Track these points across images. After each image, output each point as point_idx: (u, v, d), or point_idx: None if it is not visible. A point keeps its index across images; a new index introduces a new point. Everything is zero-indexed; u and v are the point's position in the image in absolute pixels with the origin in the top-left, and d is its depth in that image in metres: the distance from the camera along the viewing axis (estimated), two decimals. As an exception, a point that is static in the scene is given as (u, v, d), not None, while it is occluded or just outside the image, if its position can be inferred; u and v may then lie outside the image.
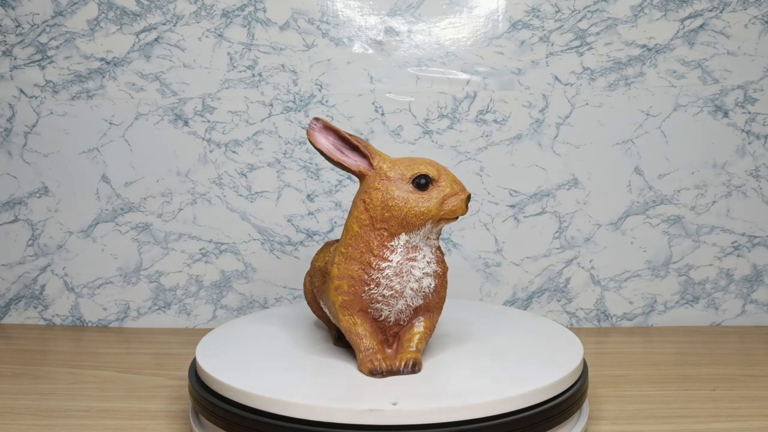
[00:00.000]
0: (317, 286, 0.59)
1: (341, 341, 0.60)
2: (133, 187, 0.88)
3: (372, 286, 0.52)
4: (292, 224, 0.87)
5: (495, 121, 0.85)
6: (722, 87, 0.84)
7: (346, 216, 0.86)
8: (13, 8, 0.86)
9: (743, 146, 0.84)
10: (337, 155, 0.54)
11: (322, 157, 0.86)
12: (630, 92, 0.84)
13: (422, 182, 0.52)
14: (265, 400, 0.49)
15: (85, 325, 0.90)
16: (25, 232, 0.90)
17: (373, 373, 0.53)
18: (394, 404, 0.47)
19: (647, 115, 0.84)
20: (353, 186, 0.86)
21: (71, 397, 0.66)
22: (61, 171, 0.88)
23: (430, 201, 0.51)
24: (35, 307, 0.91)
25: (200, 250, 0.88)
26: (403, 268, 0.52)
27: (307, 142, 0.86)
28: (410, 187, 0.52)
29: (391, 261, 0.52)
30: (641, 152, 0.85)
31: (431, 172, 0.52)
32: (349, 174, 0.85)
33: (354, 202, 0.54)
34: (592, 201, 0.86)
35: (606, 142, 0.85)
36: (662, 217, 0.85)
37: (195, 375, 0.57)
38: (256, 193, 0.87)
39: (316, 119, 0.53)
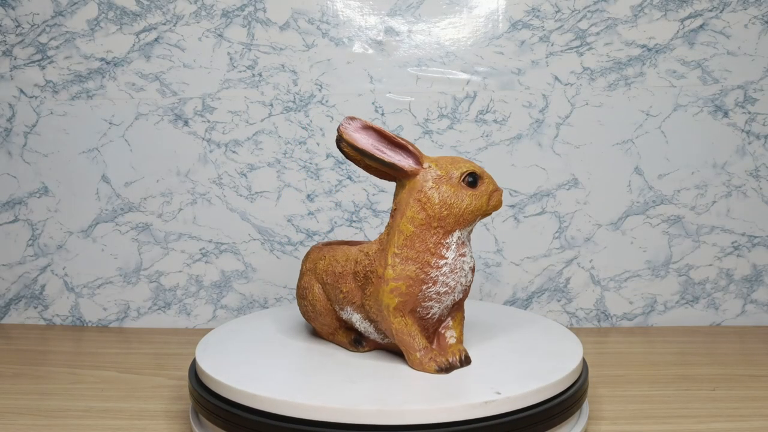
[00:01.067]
0: (346, 291, 0.57)
1: (359, 345, 0.59)
2: (133, 187, 0.88)
3: (429, 284, 0.53)
4: (292, 224, 0.87)
5: (495, 121, 0.85)
6: (722, 87, 0.84)
7: (345, 216, 0.86)
8: (13, 8, 0.86)
9: (743, 146, 0.84)
10: (385, 156, 0.53)
11: (319, 159, 0.86)
12: (630, 92, 0.84)
13: (471, 180, 0.54)
14: (264, 401, 0.49)
15: (85, 325, 0.90)
16: (25, 232, 0.90)
17: (440, 369, 0.53)
18: (499, 393, 0.48)
19: (647, 115, 0.84)
20: (353, 186, 0.86)
21: (71, 397, 0.66)
22: (61, 171, 0.88)
23: (482, 198, 0.54)
24: (35, 307, 0.91)
25: (200, 250, 0.88)
26: (456, 264, 0.53)
27: (307, 142, 0.86)
28: (462, 184, 0.53)
29: (447, 258, 0.53)
30: (641, 152, 0.85)
31: (477, 170, 0.54)
32: (350, 174, 0.86)
33: (404, 203, 0.54)
34: (592, 201, 0.86)
35: (606, 142, 0.85)
36: (662, 217, 0.85)
37: (195, 375, 0.57)
38: (256, 193, 0.87)
39: (352, 118, 0.53)
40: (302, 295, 0.61)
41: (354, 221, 0.87)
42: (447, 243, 0.53)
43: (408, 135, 0.85)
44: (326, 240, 0.87)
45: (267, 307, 0.88)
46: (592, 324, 0.87)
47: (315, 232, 0.87)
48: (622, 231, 0.86)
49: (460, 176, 0.53)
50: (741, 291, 0.86)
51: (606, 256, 0.86)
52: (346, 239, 0.86)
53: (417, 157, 0.54)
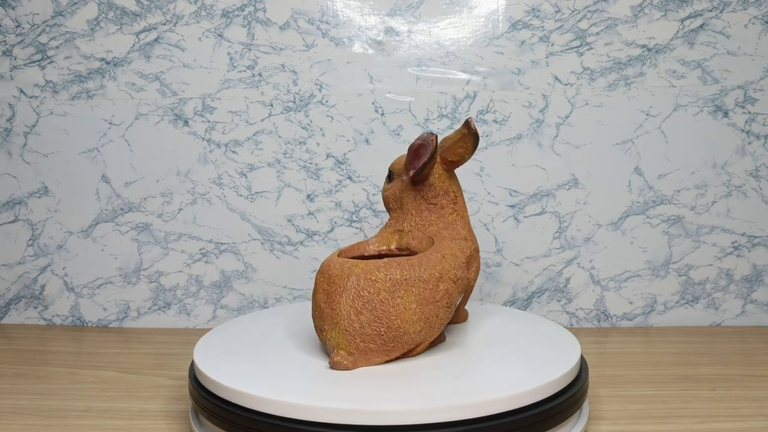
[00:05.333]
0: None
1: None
2: (133, 187, 0.88)
3: None
4: (292, 224, 0.87)
5: (495, 121, 0.85)
6: (722, 87, 0.84)
7: (345, 216, 0.86)
8: (13, 8, 0.86)
9: (743, 146, 0.84)
10: None
11: (319, 159, 0.86)
12: (630, 92, 0.84)
13: None
14: (264, 401, 0.49)
15: (85, 325, 0.90)
16: (25, 232, 0.90)
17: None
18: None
19: (647, 115, 0.84)
20: (353, 186, 0.86)
21: (71, 397, 0.67)
22: (61, 171, 0.88)
23: None
24: (35, 307, 0.91)
25: (200, 250, 0.88)
26: None
27: (307, 142, 0.86)
28: None
29: None
30: (641, 152, 0.85)
31: None
32: (350, 174, 0.86)
33: (459, 192, 0.63)
34: (592, 201, 0.86)
35: (606, 142, 0.85)
36: (662, 217, 0.85)
37: (194, 375, 0.57)
38: (256, 193, 0.87)
39: (472, 118, 0.60)
40: (448, 304, 0.55)
41: (354, 221, 0.87)
42: None
43: (408, 135, 0.85)
44: (326, 240, 0.87)
45: (267, 307, 0.88)
46: (592, 324, 0.87)
47: (315, 232, 0.87)
48: (622, 231, 0.86)
49: None
50: (741, 291, 0.86)
51: (606, 256, 0.86)
52: (346, 239, 0.86)
53: None
